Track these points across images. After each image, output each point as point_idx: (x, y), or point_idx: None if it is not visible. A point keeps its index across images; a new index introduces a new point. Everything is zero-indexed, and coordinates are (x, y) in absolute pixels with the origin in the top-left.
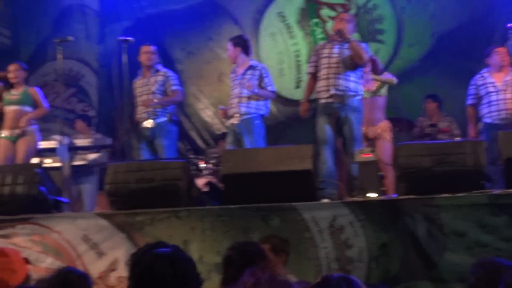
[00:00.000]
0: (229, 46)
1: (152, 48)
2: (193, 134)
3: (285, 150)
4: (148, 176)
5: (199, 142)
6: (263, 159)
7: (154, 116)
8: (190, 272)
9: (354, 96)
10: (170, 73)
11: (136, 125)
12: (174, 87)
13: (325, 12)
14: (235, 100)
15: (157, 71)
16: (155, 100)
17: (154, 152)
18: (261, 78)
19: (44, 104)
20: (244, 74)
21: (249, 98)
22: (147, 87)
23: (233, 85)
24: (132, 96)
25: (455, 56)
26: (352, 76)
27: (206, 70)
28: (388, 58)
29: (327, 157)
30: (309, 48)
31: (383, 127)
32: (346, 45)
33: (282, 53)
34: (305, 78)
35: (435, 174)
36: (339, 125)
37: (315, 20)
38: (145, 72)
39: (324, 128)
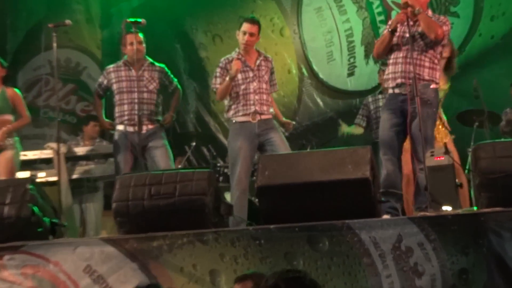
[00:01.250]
0: (254, 29)
1: (140, 36)
2: (221, 137)
3: (336, 154)
4: (166, 191)
5: None
6: (309, 166)
7: (147, 120)
8: None
9: (428, 85)
10: (165, 68)
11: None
12: (175, 84)
13: None
14: (254, 97)
15: (152, 64)
16: (172, 114)
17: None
18: (271, 73)
19: (27, 111)
20: (260, 65)
21: (267, 94)
22: (139, 83)
23: (244, 78)
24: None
25: None
26: (427, 61)
27: None
28: (464, 35)
29: (389, 162)
30: (364, 26)
31: (437, 128)
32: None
33: (331, 33)
34: (360, 63)
35: None
36: (407, 121)
37: None
38: (132, 64)
39: (386, 126)
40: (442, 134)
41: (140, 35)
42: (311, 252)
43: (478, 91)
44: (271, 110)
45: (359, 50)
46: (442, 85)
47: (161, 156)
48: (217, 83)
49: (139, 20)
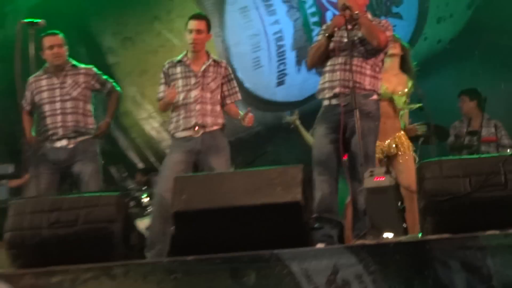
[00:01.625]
0: (201, 25)
1: (60, 38)
2: (132, 155)
3: (263, 174)
4: (68, 218)
5: (141, 166)
6: (233, 188)
7: (74, 132)
8: None
9: (369, 95)
10: (92, 69)
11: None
12: (110, 85)
13: None
14: (196, 107)
15: (74, 67)
16: (108, 120)
17: (68, 185)
18: (227, 81)
19: None
20: (205, 71)
21: (213, 103)
22: (62, 90)
23: (184, 85)
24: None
25: (501, 35)
26: (368, 68)
27: (150, 63)
28: (408, 39)
29: (324, 183)
30: (296, 28)
31: (400, 140)
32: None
33: (258, 36)
34: (291, 71)
35: (477, 202)
36: (345, 137)
37: None
38: (53, 70)
39: (323, 142)
40: (406, 147)
41: (60, 36)
42: (235, 287)
43: (423, 102)
44: (220, 120)
45: (290, 56)
46: (402, 89)
47: (89, 184)
48: (160, 91)
49: (37, 20)
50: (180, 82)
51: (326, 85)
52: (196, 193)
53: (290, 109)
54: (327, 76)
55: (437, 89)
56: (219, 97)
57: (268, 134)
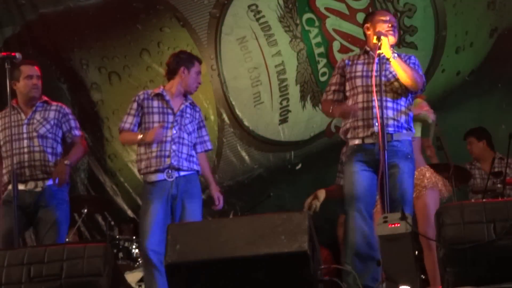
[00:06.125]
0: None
1: (36, 69)
2: (120, 201)
3: (266, 221)
4: (49, 271)
5: (130, 213)
6: (232, 237)
7: (42, 174)
8: None
9: (407, 135)
10: (66, 108)
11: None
12: (78, 132)
13: (323, 2)
14: (172, 146)
15: (47, 103)
16: (67, 162)
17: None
18: (199, 127)
19: None
20: (184, 111)
21: (189, 147)
22: (29, 127)
23: (159, 121)
24: None
25: None
26: (403, 105)
27: None
28: (424, 70)
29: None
30: (300, 61)
31: (425, 175)
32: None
33: (258, 69)
34: (295, 107)
35: (503, 251)
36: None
37: (308, 15)
38: (23, 104)
39: (359, 178)
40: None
41: (35, 68)
42: None
43: (442, 141)
44: (195, 166)
45: (294, 91)
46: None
47: (48, 236)
48: (126, 122)
49: (13, 54)
50: (155, 117)
51: (360, 123)
52: (191, 242)
53: (293, 149)
54: (360, 114)
55: (457, 126)
56: (193, 141)
57: (270, 177)
